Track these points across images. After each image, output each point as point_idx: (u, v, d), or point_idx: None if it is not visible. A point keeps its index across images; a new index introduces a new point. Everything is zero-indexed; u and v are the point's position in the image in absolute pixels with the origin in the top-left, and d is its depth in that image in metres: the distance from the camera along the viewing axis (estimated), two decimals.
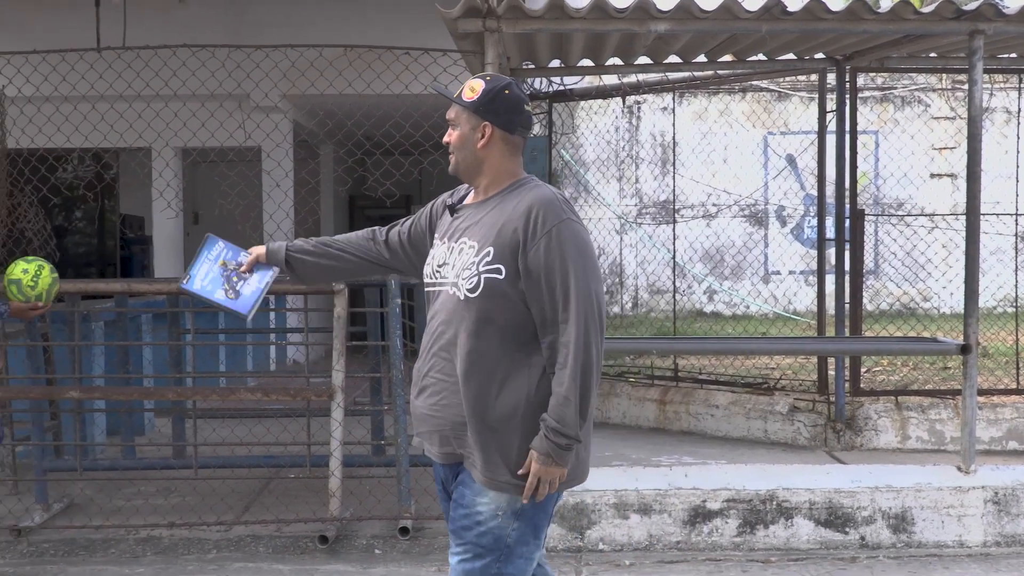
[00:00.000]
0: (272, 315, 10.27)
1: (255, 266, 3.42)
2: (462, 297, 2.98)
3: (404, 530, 5.62)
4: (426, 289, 3.17)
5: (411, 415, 3.16)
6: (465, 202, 3.19)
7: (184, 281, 3.43)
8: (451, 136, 3.13)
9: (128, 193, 14.01)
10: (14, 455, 6.61)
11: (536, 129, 9.40)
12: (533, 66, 6.92)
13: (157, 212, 12.55)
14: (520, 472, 2.95)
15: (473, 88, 3.10)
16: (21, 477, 6.41)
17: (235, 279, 3.39)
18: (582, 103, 10.41)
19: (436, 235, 3.21)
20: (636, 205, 13.22)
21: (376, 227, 3.48)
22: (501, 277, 2.94)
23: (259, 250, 3.44)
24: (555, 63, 7.03)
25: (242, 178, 10.41)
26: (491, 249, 2.96)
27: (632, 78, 8.76)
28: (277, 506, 6.09)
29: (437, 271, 3.11)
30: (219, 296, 3.39)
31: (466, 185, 3.23)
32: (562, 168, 10.03)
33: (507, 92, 3.08)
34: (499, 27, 5.44)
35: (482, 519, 2.99)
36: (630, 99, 11.81)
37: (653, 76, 8.54)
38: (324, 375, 5.82)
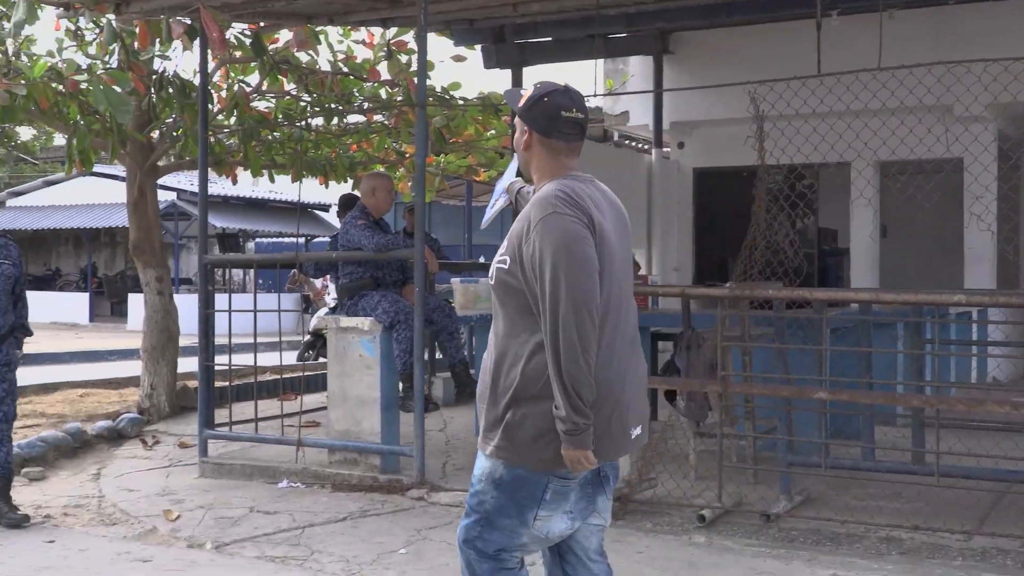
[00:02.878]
0: (974, 327, 10.05)
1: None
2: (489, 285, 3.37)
3: None
4: None
5: None
6: None
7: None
8: None
9: (825, 207, 14.43)
10: (755, 447, 7.22)
11: None
12: None
13: (854, 225, 12.81)
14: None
15: (524, 96, 3.38)
16: (764, 467, 6.96)
17: (501, 199, 3.89)
18: None
19: None
20: None
21: None
22: (505, 267, 3.23)
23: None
24: None
25: (937, 190, 10.28)
26: (506, 242, 3.27)
27: None
28: (1020, 520, 5.98)
29: None
30: (489, 207, 3.95)
31: None
32: None
33: (546, 99, 3.30)
34: None
35: (474, 480, 3.33)
36: None
37: None
38: None
